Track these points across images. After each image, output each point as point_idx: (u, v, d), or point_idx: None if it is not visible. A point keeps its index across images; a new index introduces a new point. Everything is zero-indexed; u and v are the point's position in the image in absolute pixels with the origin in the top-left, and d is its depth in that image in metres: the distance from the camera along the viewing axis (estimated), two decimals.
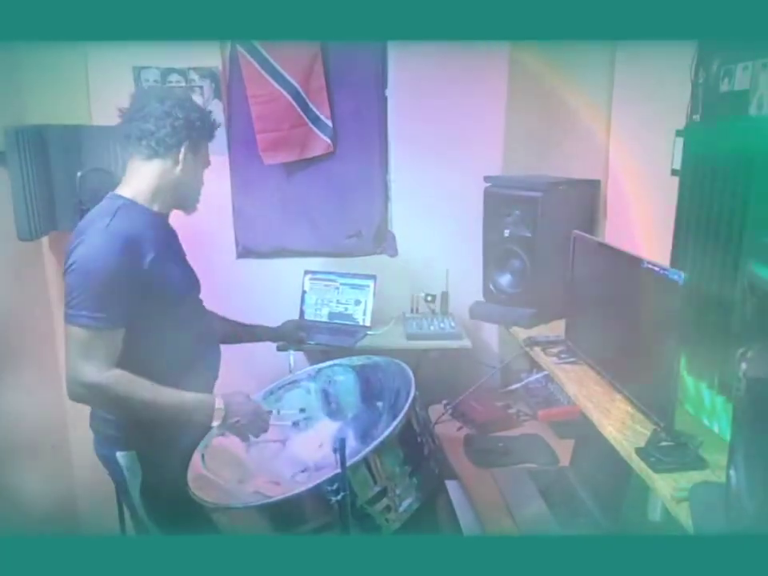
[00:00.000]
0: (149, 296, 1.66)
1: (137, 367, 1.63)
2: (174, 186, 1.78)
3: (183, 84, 3.20)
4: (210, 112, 1.85)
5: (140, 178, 1.76)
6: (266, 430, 1.84)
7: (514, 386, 2.75)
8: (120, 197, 1.75)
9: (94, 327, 1.59)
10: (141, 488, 1.81)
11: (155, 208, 1.78)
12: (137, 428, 1.75)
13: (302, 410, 2.03)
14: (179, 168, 1.76)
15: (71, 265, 1.62)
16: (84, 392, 1.61)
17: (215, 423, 1.71)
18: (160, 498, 1.81)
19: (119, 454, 1.80)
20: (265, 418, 1.85)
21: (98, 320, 1.59)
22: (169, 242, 1.85)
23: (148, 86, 3.11)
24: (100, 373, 1.59)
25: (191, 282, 1.92)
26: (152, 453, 1.80)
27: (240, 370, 2.96)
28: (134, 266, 1.63)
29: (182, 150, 1.74)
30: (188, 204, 1.86)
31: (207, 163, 1.88)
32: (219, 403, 1.71)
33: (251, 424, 1.79)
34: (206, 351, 1.93)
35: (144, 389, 1.63)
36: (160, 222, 1.82)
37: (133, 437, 1.79)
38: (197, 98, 3.21)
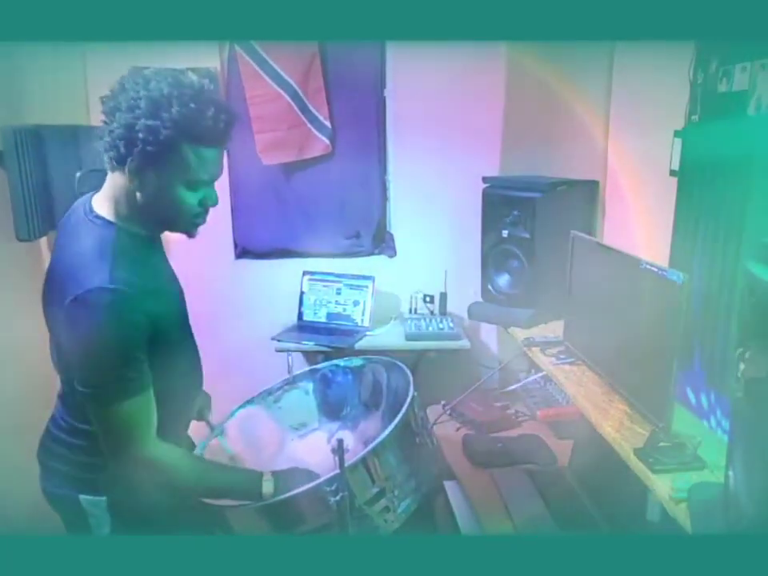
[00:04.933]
0: (154, 338, 1.43)
1: None
2: (141, 209, 1.42)
3: None
4: (195, 106, 1.33)
5: (110, 193, 1.44)
6: None
7: (512, 387, 2.75)
8: (104, 221, 1.43)
9: (128, 398, 1.37)
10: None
11: (141, 231, 1.47)
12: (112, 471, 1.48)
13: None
14: (135, 185, 1.38)
15: (81, 334, 1.34)
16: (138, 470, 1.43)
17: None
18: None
19: (84, 498, 1.53)
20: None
21: (129, 389, 1.37)
22: (159, 266, 1.59)
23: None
24: (152, 447, 1.41)
25: (180, 299, 1.68)
26: (127, 500, 1.52)
27: (239, 370, 2.97)
28: (142, 317, 1.37)
29: (127, 168, 1.35)
30: (178, 228, 1.50)
31: (200, 174, 1.41)
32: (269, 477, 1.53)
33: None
34: (195, 369, 1.74)
35: (189, 471, 1.50)
36: (148, 246, 1.51)
37: (105, 480, 1.51)
38: None
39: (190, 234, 1.50)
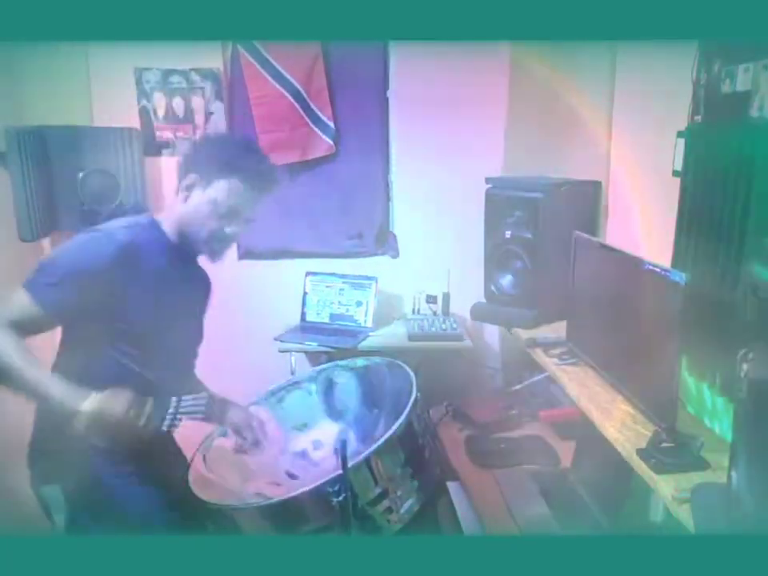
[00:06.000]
0: (118, 316, 1.59)
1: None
2: (182, 219, 1.69)
3: (184, 85, 3.20)
4: (258, 167, 1.70)
5: (168, 211, 1.74)
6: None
7: (515, 387, 2.75)
8: (152, 218, 1.72)
9: (41, 307, 1.49)
10: (66, 526, 1.65)
11: (175, 239, 1.71)
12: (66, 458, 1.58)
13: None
14: (181, 198, 1.68)
15: (65, 245, 1.60)
16: None
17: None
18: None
19: (44, 488, 1.65)
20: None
21: (48, 304, 1.50)
22: (179, 281, 1.73)
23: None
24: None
25: (184, 334, 1.79)
26: (79, 488, 1.61)
27: (242, 370, 2.97)
28: (116, 279, 1.54)
29: (186, 179, 1.65)
30: (200, 250, 1.74)
31: (227, 211, 1.69)
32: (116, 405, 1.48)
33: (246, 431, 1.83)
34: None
35: (19, 357, 1.46)
36: (180, 255, 1.73)
37: (60, 469, 1.61)
38: (197, 100, 3.22)
39: (211, 258, 1.75)
